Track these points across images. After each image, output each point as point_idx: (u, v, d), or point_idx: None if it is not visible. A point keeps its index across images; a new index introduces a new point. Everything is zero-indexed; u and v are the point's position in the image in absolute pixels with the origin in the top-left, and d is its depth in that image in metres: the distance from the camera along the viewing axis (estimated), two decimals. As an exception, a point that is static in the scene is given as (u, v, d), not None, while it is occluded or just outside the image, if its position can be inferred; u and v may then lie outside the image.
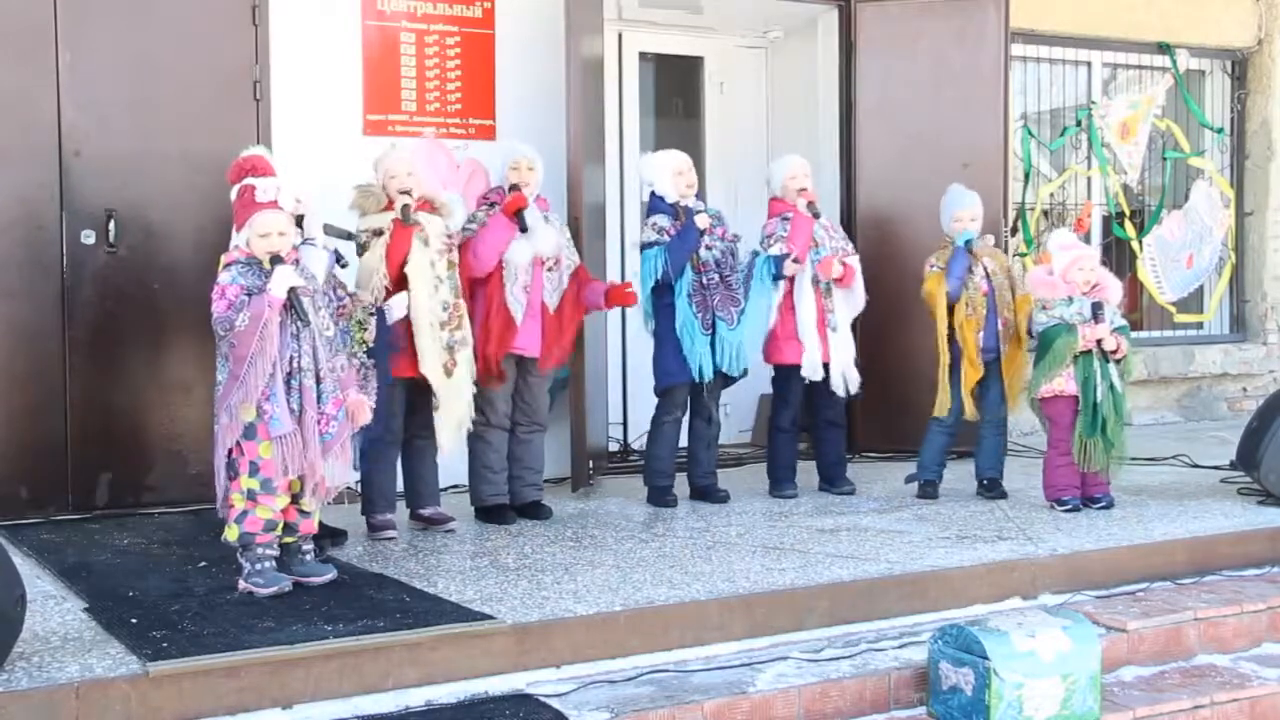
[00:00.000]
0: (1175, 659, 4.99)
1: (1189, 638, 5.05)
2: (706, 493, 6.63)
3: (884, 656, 4.58)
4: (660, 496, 6.58)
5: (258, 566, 4.79)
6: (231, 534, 4.81)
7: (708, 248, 6.52)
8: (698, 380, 6.47)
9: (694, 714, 4.08)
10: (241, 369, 4.67)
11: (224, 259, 4.86)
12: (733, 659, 4.52)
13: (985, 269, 6.67)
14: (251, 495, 4.76)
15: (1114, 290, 6.41)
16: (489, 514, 6.16)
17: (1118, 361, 6.26)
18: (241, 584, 4.79)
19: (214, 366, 4.87)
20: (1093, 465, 6.24)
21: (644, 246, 6.59)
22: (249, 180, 4.91)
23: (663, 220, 6.56)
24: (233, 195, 4.90)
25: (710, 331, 6.46)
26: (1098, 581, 5.42)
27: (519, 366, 6.17)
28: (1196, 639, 5.07)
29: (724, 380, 6.63)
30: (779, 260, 6.63)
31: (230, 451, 4.74)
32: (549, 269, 6.17)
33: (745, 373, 6.67)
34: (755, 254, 6.75)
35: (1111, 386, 6.21)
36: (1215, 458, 7.61)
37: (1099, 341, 6.18)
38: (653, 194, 6.68)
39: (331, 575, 4.91)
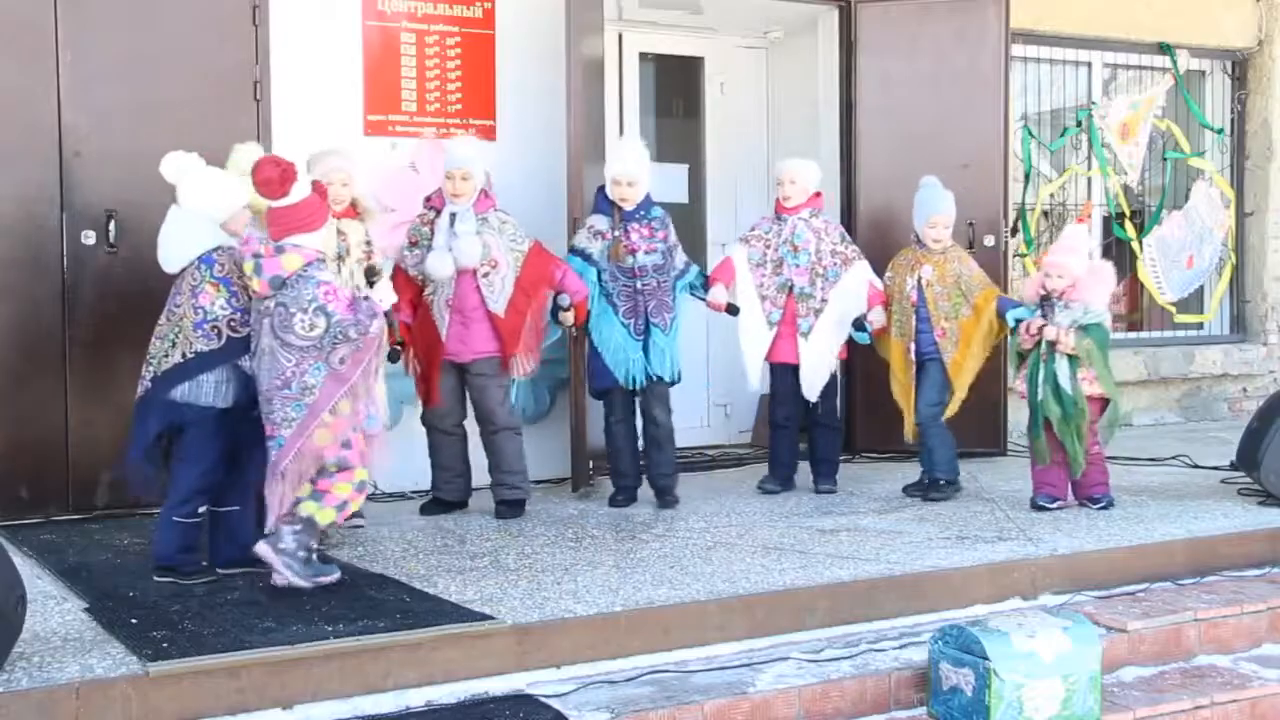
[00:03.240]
0: (1175, 659, 4.99)
1: (1189, 638, 5.05)
2: (660, 493, 6.57)
3: (884, 657, 4.58)
4: (613, 498, 6.59)
5: (314, 556, 4.85)
6: (326, 517, 4.81)
7: (646, 252, 6.43)
8: (625, 384, 6.42)
9: (694, 714, 4.08)
10: (355, 371, 4.73)
11: (300, 257, 4.76)
12: (733, 659, 4.52)
13: (920, 278, 6.65)
14: (361, 486, 4.86)
15: (1092, 291, 6.28)
16: (428, 506, 6.43)
17: (1072, 359, 6.17)
18: (290, 578, 4.76)
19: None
20: (1040, 463, 6.27)
21: (572, 250, 6.49)
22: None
23: (600, 222, 6.48)
24: (288, 199, 4.81)
25: (643, 336, 6.41)
26: (1098, 582, 5.42)
27: (461, 372, 6.21)
28: (1197, 639, 5.07)
29: (663, 384, 6.49)
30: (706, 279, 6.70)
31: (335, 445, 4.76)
32: (485, 274, 6.12)
33: (680, 377, 6.55)
34: (688, 264, 6.66)
35: (1056, 386, 6.16)
36: (1215, 458, 7.61)
37: (1052, 341, 6.15)
38: (600, 188, 6.58)
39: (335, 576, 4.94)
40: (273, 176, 4.79)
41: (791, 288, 6.70)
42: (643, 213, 6.47)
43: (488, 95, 7.43)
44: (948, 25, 8.06)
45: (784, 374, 6.77)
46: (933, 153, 7.98)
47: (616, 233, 6.41)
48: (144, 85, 6.29)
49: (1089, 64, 9.53)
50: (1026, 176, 9.17)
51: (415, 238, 6.25)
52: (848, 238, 6.96)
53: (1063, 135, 9.45)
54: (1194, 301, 10.07)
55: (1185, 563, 5.68)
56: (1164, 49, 9.65)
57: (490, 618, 4.44)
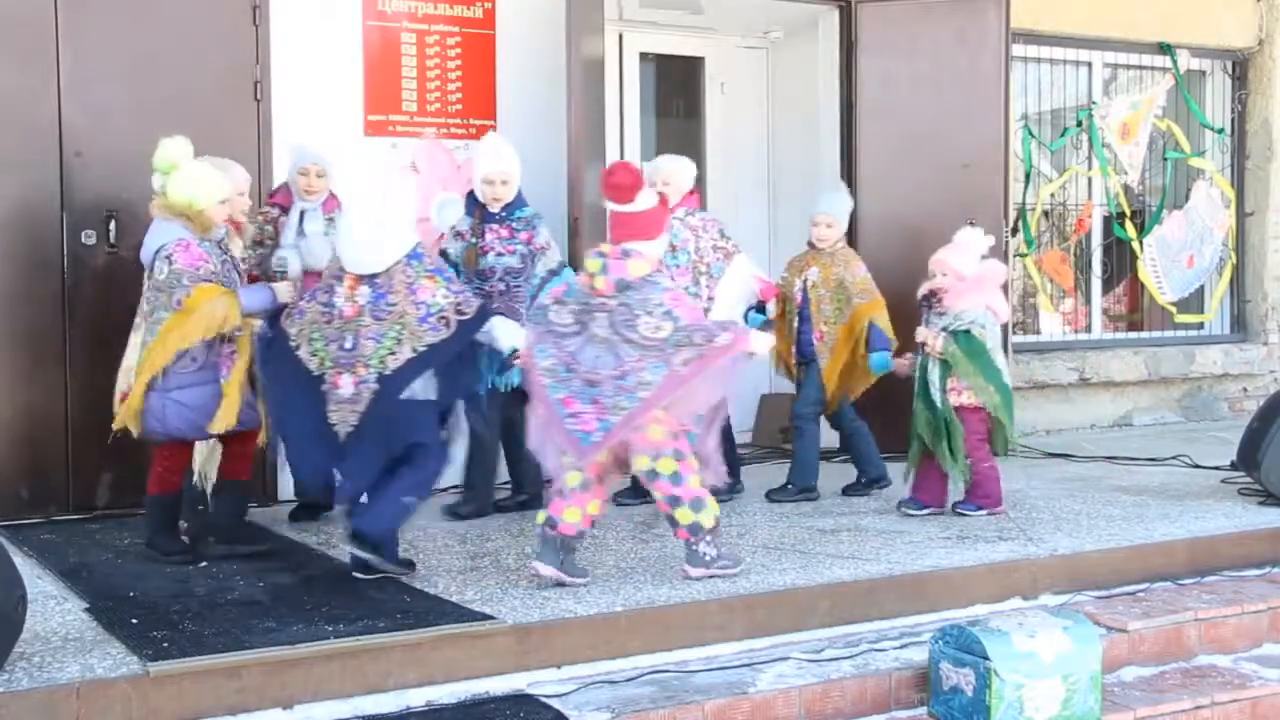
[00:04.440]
0: (1176, 659, 4.99)
1: (1190, 638, 5.05)
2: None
3: (885, 657, 4.58)
4: (454, 508, 6.34)
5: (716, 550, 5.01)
6: (709, 516, 4.97)
7: (499, 254, 6.21)
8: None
9: (695, 714, 4.08)
10: (696, 374, 4.89)
11: (646, 264, 4.95)
12: (733, 659, 4.51)
13: (806, 279, 6.65)
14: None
15: (967, 297, 6.06)
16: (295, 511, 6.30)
17: (944, 368, 6.02)
18: (703, 571, 4.96)
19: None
20: (910, 467, 6.21)
21: (443, 252, 6.28)
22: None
23: (463, 223, 6.29)
24: (635, 206, 5.00)
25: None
26: (1098, 582, 5.42)
27: None
28: (1197, 639, 5.07)
29: (498, 392, 6.08)
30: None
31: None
32: None
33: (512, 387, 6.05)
34: (561, 265, 6.38)
35: (927, 394, 6.05)
36: (1216, 458, 7.61)
37: (923, 343, 6.08)
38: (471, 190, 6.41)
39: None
40: (625, 182, 4.99)
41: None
42: (505, 213, 6.25)
43: (488, 95, 7.43)
44: (948, 25, 8.05)
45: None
46: (933, 153, 7.99)
47: (473, 238, 6.23)
48: (144, 85, 6.29)
49: (1089, 64, 9.54)
50: (1027, 176, 9.18)
51: (260, 236, 6.05)
52: (727, 233, 6.70)
53: (1063, 135, 9.45)
54: (1194, 301, 10.07)
55: (1185, 563, 5.67)
56: (1164, 49, 9.65)
57: (490, 618, 4.44)
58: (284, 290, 5.34)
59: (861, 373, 6.62)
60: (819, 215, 6.69)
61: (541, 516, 4.96)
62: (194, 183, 5.15)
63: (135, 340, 5.45)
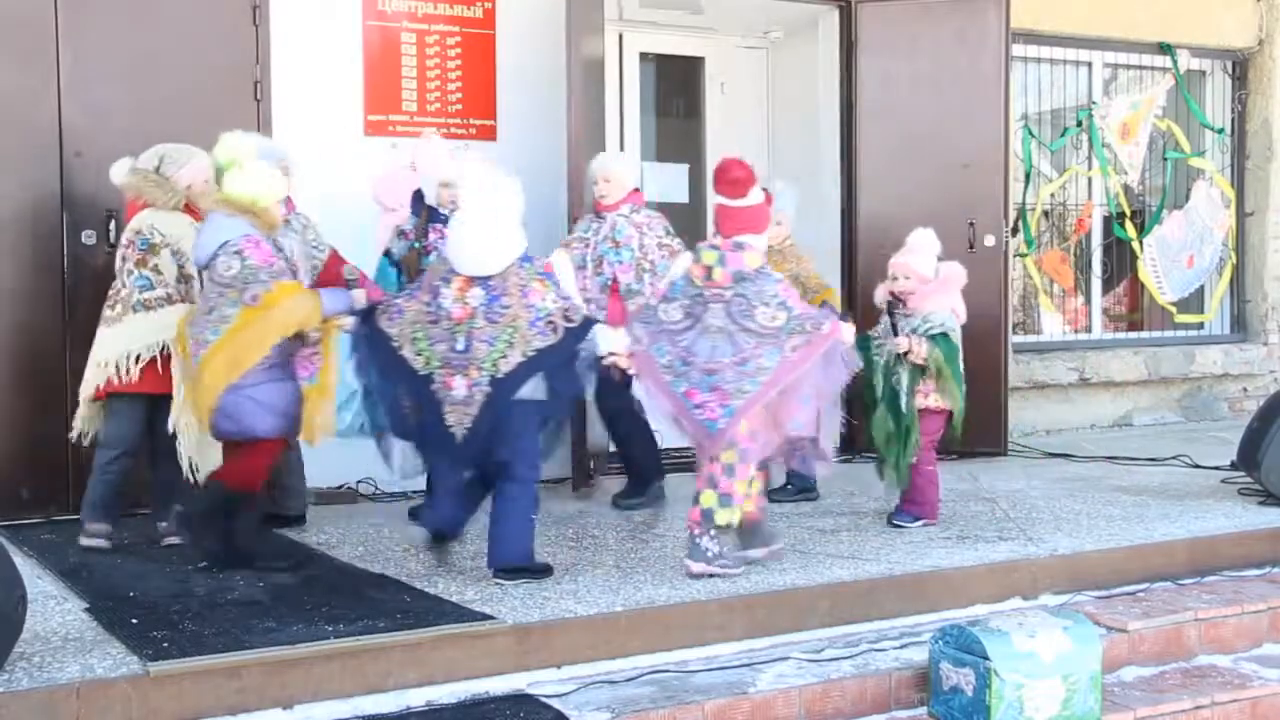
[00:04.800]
0: (1176, 659, 4.99)
1: (1190, 638, 5.05)
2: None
3: (885, 657, 4.58)
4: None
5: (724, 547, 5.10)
6: (726, 517, 5.07)
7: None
8: None
9: (695, 714, 4.07)
10: (805, 361, 5.06)
11: (758, 256, 5.16)
12: (733, 659, 4.51)
13: None
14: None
15: (933, 299, 5.95)
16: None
17: (921, 370, 5.88)
18: (703, 567, 5.02)
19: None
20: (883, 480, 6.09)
21: (385, 253, 6.24)
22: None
23: (408, 223, 6.25)
24: (746, 200, 5.19)
25: None
26: (1098, 582, 5.42)
27: None
28: (1197, 639, 5.07)
29: None
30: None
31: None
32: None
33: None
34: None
35: (894, 399, 5.91)
36: (1216, 458, 7.61)
37: (903, 352, 5.86)
38: (417, 191, 6.32)
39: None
40: (740, 177, 5.19)
41: (615, 286, 6.38)
42: (449, 215, 6.15)
43: (488, 95, 7.43)
44: (948, 25, 8.06)
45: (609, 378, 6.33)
46: (933, 153, 8.00)
47: (417, 239, 6.16)
48: (144, 85, 6.29)
49: (1089, 64, 9.54)
50: (1027, 176, 9.18)
51: None
52: (672, 231, 6.61)
53: (1063, 135, 9.46)
54: (1194, 301, 10.07)
55: (1185, 562, 5.67)
56: (1164, 49, 9.65)
57: (490, 617, 4.44)
58: (360, 297, 5.36)
59: None
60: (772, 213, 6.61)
61: (726, 517, 5.06)
62: (257, 180, 5.11)
63: (108, 333, 5.48)
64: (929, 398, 5.94)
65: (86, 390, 5.54)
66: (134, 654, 4.02)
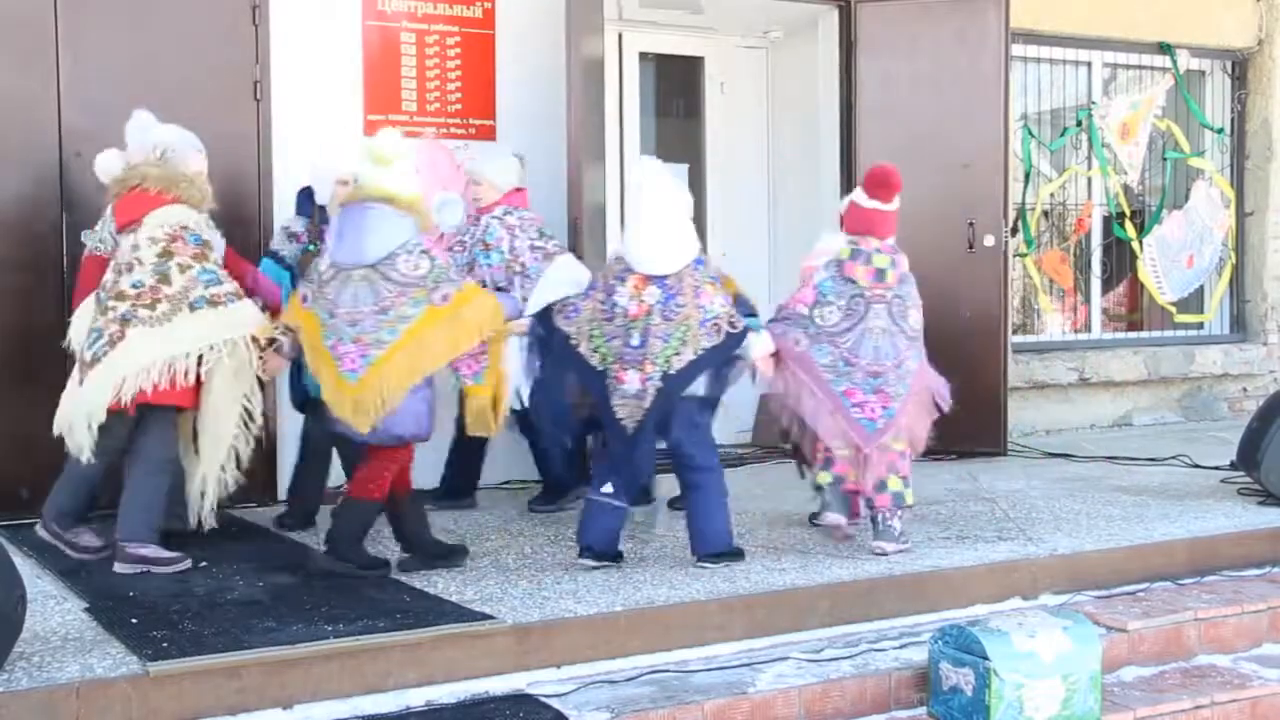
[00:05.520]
0: (1176, 659, 4.99)
1: (1189, 638, 5.05)
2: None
3: (884, 657, 4.58)
4: (283, 518, 6.19)
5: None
6: (910, 495, 5.48)
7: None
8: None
9: (694, 714, 4.08)
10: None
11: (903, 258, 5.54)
12: (733, 659, 4.52)
13: None
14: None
15: None
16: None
17: None
18: (894, 546, 5.40)
19: None
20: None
21: (268, 253, 6.07)
22: None
23: (296, 224, 6.06)
24: (893, 205, 5.52)
25: None
26: (1098, 582, 5.42)
27: None
28: (1197, 639, 5.07)
29: None
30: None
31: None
32: None
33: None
34: None
35: None
36: (1216, 458, 7.61)
37: None
38: (305, 188, 6.12)
39: None
40: (898, 185, 5.50)
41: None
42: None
43: (488, 95, 7.43)
44: (948, 25, 8.05)
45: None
46: (933, 153, 7.99)
47: (310, 242, 6.02)
48: (144, 85, 6.28)
49: (1089, 64, 9.53)
50: (1026, 176, 9.18)
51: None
52: (548, 233, 6.37)
53: (1063, 135, 9.45)
54: (1194, 301, 10.07)
55: (1185, 562, 5.68)
56: (1164, 49, 9.65)
57: (490, 617, 4.44)
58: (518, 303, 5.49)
59: None
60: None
61: (910, 498, 5.49)
62: (413, 180, 5.08)
63: (150, 334, 4.99)
64: None
65: (108, 398, 5.00)
66: (134, 654, 4.02)
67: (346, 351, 4.85)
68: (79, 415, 5.07)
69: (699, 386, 5.20)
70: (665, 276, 5.17)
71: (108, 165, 5.53)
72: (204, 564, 5.22)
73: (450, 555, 5.25)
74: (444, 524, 6.13)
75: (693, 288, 5.17)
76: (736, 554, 5.28)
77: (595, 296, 5.27)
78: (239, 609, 4.55)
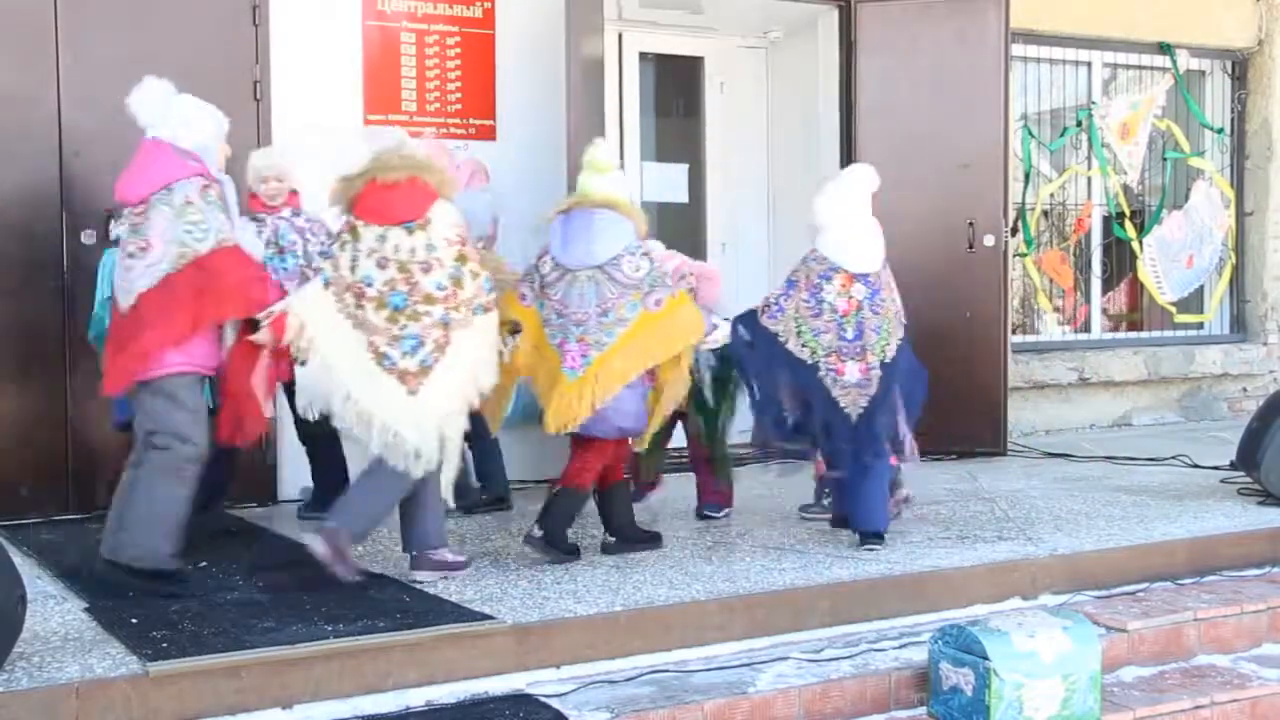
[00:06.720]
0: (1175, 659, 4.99)
1: (1189, 638, 5.05)
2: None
3: (884, 657, 4.58)
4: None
5: None
6: None
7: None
8: None
9: (694, 714, 4.07)
10: None
11: None
12: (733, 659, 4.52)
13: None
14: None
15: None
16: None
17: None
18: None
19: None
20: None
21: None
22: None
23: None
24: None
25: None
26: (1098, 582, 5.42)
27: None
28: (1197, 639, 5.07)
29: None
30: None
31: None
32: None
33: None
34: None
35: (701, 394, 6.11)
36: (1216, 458, 7.61)
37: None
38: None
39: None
40: None
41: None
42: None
43: (488, 95, 7.43)
44: (948, 25, 8.06)
45: (282, 398, 5.78)
46: (933, 153, 7.99)
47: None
48: (144, 85, 6.28)
49: (1089, 64, 9.54)
50: (1026, 176, 9.18)
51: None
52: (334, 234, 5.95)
53: (1063, 135, 9.46)
54: (1194, 301, 10.07)
55: (1185, 562, 5.67)
56: (1164, 49, 9.65)
57: (490, 617, 4.44)
58: None
59: None
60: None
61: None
62: (627, 187, 5.34)
63: (467, 337, 4.85)
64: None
65: (456, 404, 4.86)
66: (133, 654, 4.02)
67: (570, 350, 5.17)
68: (426, 426, 4.79)
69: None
70: (868, 274, 5.56)
71: (349, 154, 5.21)
72: (204, 564, 5.21)
73: (651, 541, 5.55)
74: (449, 524, 6.13)
75: (888, 284, 5.63)
76: (882, 536, 5.59)
77: (798, 295, 5.55)
78: (238, 609, 4.55)
